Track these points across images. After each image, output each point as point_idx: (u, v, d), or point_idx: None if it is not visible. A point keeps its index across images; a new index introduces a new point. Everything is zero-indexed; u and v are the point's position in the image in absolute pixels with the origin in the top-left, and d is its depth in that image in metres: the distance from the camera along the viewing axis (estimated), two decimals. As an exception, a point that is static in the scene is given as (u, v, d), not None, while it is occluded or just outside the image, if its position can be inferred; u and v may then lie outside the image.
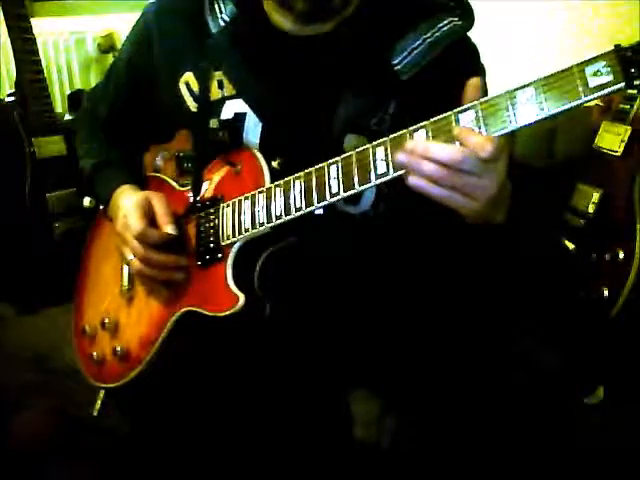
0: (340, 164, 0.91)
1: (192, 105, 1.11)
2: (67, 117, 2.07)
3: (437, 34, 1.01)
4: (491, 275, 1.19)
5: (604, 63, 0.72)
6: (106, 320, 1.19)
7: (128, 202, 1.10)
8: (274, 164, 1.03)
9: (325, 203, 0.92)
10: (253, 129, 1.08)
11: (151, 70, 1.15)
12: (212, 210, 1.08)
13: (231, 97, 1.08)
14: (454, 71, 0.99)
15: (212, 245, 1.06)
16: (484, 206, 0.82)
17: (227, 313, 1.00)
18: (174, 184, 1.20)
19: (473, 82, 0.83)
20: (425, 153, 0.80)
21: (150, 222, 1.07)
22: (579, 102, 0.74)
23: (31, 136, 1.91)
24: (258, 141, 1.07)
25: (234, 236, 1.03)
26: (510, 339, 1.25)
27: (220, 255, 1.04)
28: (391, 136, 0.86)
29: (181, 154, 1.21)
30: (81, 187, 1.93)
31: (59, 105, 2.53)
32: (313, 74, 1.05)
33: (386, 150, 0.86)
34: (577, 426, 1.30)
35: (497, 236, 0.94)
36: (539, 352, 1.35)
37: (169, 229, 1.06)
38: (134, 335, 1.14)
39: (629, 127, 1.51)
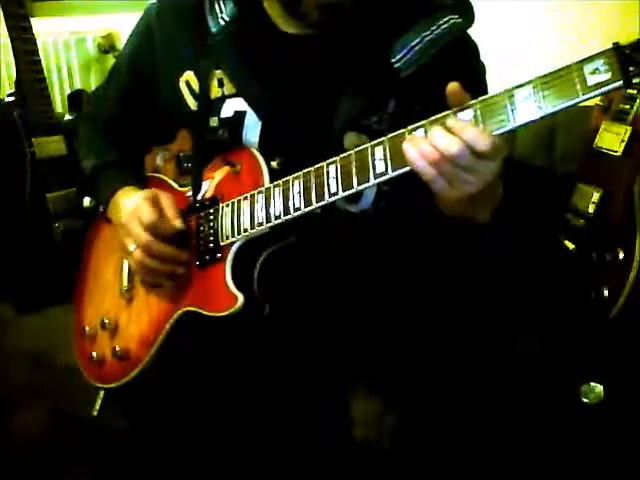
0: (339, 164, 0.91)
1: (192, 104, 1.11)
2: (67, 117, 2.07)
3: (437, 32, 1.01)
4: (490, 274, 1.19)
5: (602, 61, 0.72)
6: (106, 320, 1.19)
7: (134, 197, 1.10)
8: (273, 164, 1.03)
9: (324, 203, 0.93)
10: (253, 128, 1.08)
11: (152, 69, 1.15)
12: (211, 210, 1.08)
13: (231, 96, 1.08)
14: (454, 69, 0.99)
15: (211, 245, 1.06)
16: (461, 198, 0.83)
17: (226, 313, 1.00)
18: (174, 184, 1.20)
19: (452, 89, 0.82)
20: (429, 138, 0.80)
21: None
22: (577, 100, 0.74)
23: (31, 136, 1.91)
24: (257, 140, 1.07)
25: (233, 236, 1.03)
26: (510, 338, 1.25)
27: (219, 255, 1.04)
28: (389, 135, 0.86)
29: (181, 154, 1.21)
30: (81, 187, 1.93)
31: (59, 105, 2.54)
32: (313, 73, 1.05)
33: (385, 150, 0.86)
34: (577, 426, 1.30)
35: (479, 235, 0.95)
36: (539, 351, 1.35)
37: (178, 223, 1.07)
38: (134, 335, 1.14)
39: (629, 127, 1.51)
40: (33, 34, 1.93)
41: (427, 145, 0.80)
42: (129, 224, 1.08)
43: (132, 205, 1.09)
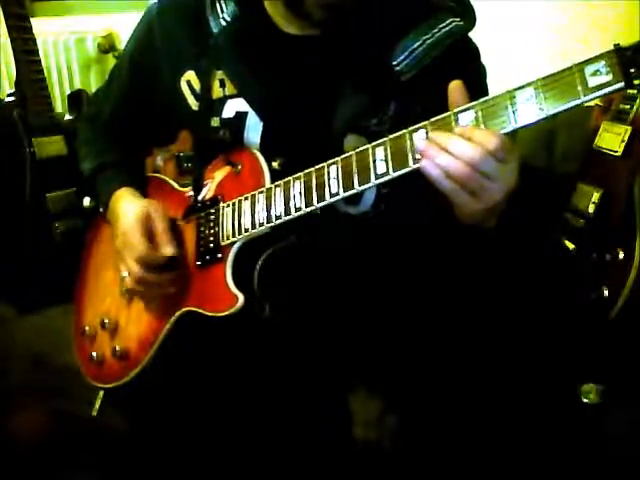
0: (340, 164, 0.91)
1: (193, 104, 1.12)
2: (67, 117, 2.07)
3: (438, 34, 1.01)
4: (490, 274, 1.19)
5: (603, 63, 0.73)
6: (106, 320, 1.19)
7: (128, 214, 1.09)
8: (274, 164, 1.03)
9: (325, 203, 0.93)
10: (254, 128, 1.08)
11: (153, 69, 1.15)
12: (212, 210, 1.08)
13: (232, 96, 1.08)
14: (454, 71, 0.99)
15: (212, 245, 1.06)
16: (485, 209, 0.82)
17: (226, 313, 1.00)
18: (174, 184, 1.20)
19: (454, 86, 0.83)
20: (446, 145, 0.80)
21: (150, 236, 1.07)
22: (578, 102, 0.74)
23: (31, 136, 1.91)
24: (259, 140, 1.07)
25: (234, 236, 1.03)
26: (510, 338, 1.25)
27: (220, 255, 1.04)
28: (391, 136, 0.86)
29: (181, 154, 1.21)
30: (81, 187, 1.93)
31: (59, 105, 2.54)
32: (314, 74, 1.05)
33: (386, 150, 0.86)
34: (577, 426, 1.30)
35: (487, 241, 0.95)
36: (540, 352, 1.35)
37: (168, 250, 1.06)
38: (133, 335, 1.14)
39: (629, 127, 1.50)
40: (33, 34, 1.93)
41: (445, 158, 0.79)
42: (122, 251, 1.08)
43: (125, 226, 1.08)
